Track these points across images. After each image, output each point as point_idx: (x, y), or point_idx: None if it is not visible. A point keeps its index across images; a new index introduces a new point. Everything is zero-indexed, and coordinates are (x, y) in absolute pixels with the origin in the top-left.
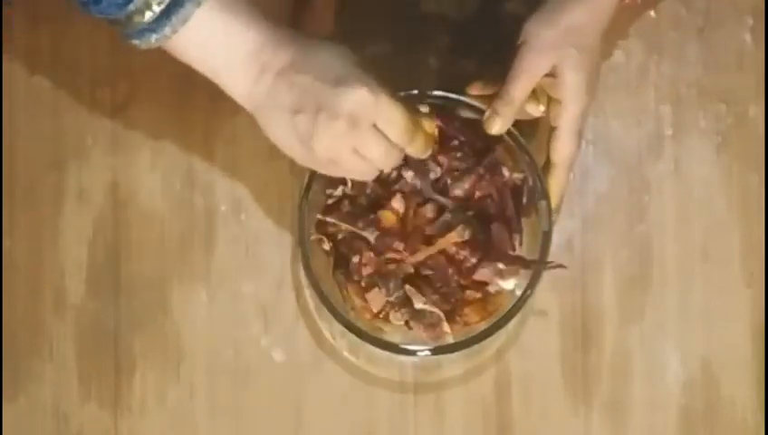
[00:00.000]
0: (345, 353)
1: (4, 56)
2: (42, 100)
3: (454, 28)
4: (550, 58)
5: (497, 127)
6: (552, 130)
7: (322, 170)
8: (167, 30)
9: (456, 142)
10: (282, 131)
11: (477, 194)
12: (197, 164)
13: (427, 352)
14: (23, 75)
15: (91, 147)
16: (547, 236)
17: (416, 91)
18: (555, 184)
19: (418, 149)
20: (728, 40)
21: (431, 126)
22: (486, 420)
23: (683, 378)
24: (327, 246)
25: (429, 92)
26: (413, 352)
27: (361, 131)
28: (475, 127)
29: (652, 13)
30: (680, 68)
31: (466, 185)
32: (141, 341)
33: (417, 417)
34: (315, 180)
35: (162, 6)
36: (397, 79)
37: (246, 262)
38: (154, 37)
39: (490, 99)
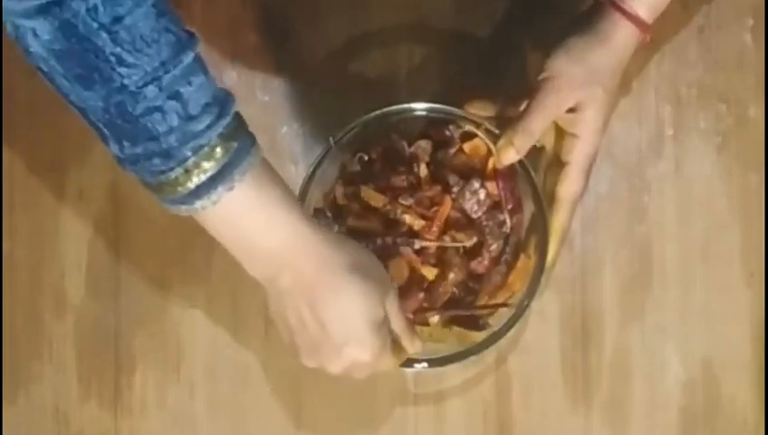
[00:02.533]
0: None
1: (4, 56)
2: (42, 100)
3: (454, 41)
4: (577, 96)
5: (510, 158)
6: (562, 165)
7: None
8: (197, 205)
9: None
10: (278, 322)
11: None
12: None
13: (425, 365)
14: (23, 76)
15: (91, 147)
16: (537, 275)
17: (412, 105)
18: (558, 221)
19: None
20: (728, 40)
21: (416, 348)
22: (486, 420)
23: (683, 378)
24: None
25: (429, 105)
26: (410, 365)
27: (353, 374)
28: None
29: None
30: (680, 68)
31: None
32: (141, 341)
33: (417, 416)
34: (313, 184)
35: (192, 187)
36: (393, 89)
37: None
38: (184, 209)
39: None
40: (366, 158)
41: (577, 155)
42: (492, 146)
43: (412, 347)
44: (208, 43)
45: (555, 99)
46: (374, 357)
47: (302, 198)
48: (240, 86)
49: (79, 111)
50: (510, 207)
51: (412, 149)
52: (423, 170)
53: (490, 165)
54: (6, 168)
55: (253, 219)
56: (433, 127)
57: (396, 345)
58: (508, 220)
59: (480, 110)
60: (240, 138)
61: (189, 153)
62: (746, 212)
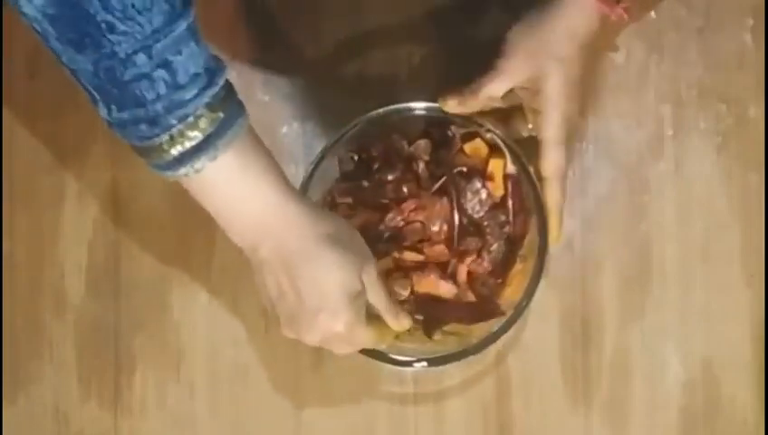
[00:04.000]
0: None
1: (4, 57)
2: (42, 100)
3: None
4: (525, 66)
5: (452, 105)
6: (539, 143)
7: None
8: (181, 171)
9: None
10: (261, 291)
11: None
12: None
13: (424, 364)
14: (23, 76)
15: (91, 147)
16: (536, 276)
17: (411, 104)
18: (550, 198)
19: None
20: (728, 40)
21: (402, 326)
22: (486, 420)
23: (683, 378)
24: None
25: (429, 105)
26: (409, 364)
27: (332, 344)
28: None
29: (652, 13)
30: (680, 68)
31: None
32: (141, 341)
33: (417, 416)
34: (315, 177)
35: (176, 154)
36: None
37: (246, 261)
38: (170, 174)
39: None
40: (356, 157)
41: (545, 130)
42: (502, 146)
43: (398, 324)
44: (208, 43)
45: (505, 67)
46: (347, 327)
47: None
48: (240, 86)
49: (70, 73)
50: (512, 210)
51: (412, 148)
52: (422, 170)
53: (490, 167)
54: (6, 168)
55: (235, 188)
56: (434, 127)
57: (379, 322)
58: (511, 220)
59: (456, 108)
60: (227, 108)
61: (175, 121)
62: (746, 212)
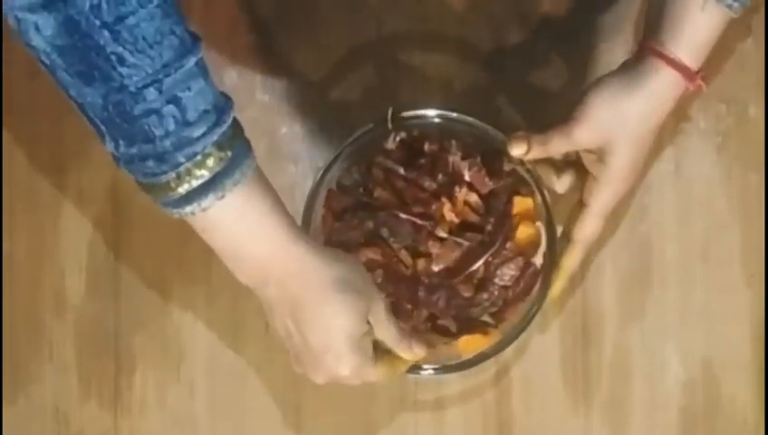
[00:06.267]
0: None
1: (4, 57)
2: (42, 100)
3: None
4: (599, 139)
5: (519, 151)
6: (582, 206)
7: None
8: (186, 210)
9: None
10: (276, 329)
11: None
12: None
13: (431, 371)
14: (23, 76)
15: (91, 147)
16: (546, 285)
17: (421, 112)
18: (569, 261)
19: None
20: (728, 40)
21: (416, 356)
22: (486, 420)
23: (683, 378)
24: None
25: (383, 120)
26: (416, 371)
27: (342, 381)
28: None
29: None
30: None
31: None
32: (141, 341)
33: (417, 416)
34: (322, 184)
35: (183, 192)
36: (396, 92)
37: None
38: (174, 212)
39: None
40: (404, 136)
41: (595, 199)
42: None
43: (412, 355)
44: (208, 43)
45: (580, 134)
46: (353, 372)
47: (313, 198)
48: (240, 86)
49: (78, 107)
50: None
51: (464, 168)
52: (462, 195)
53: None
54: (6, 168)
55: (241, 228)
56: (489, 159)
57: (391, 356)
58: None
59: (521, 152)
60: (235, 146)
61: (183, 159)
62: (746, 212)
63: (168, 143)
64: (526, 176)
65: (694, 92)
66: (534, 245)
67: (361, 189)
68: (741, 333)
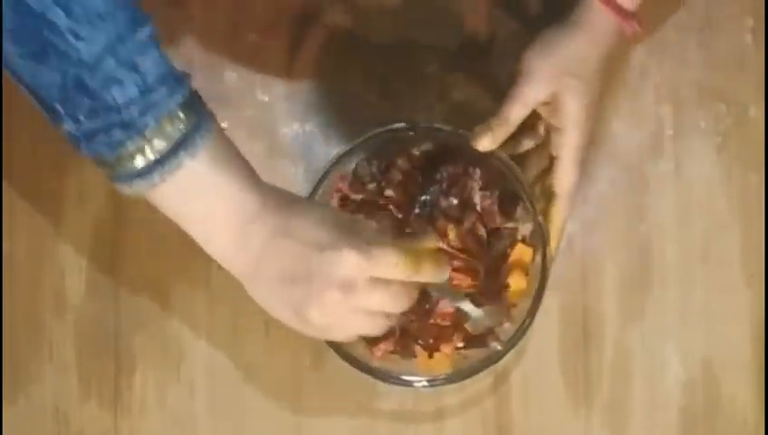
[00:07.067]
0: None
1: None
2: None
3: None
4: (548, 86)
5: (485, 143)
6: (553, 159)
7: (326, 337)
8: (155, 177)
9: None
10: (273, 302)
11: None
12: None
13: (424, 384)
14: None
15: None
16: (539, 294)
17: (403, 124)
18: (557, 214)
19: (431, 275)
20: (728, 40)
21: (433, 243)
22: (486, 421)
23: (683, 378)
24: None
25: (416, 124)
26: (410, 383)
27: (359, 291)
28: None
29: None
30: (680, 68)
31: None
32: (141, 341)
33: (416, 416)
34: (321, 186)
35: (155, 155)
36: (396, 92)
37: None
38: (141, 183)
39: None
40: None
41: (563, 148)
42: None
43: (430, 240)
44: (208, 43)
45: (528, 90)
46: (363, 252)
47: (322, 179)
48: (240, 86)
49: (31, 94)
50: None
51: (481, 198)
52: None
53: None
54: (6, 168)
55: (215, 187)
56: (506, 199)
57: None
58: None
59: (488, 145)
60: (199, 107)
61: (152, 122)
62: (746, 212)
63: (133, 109)
64: (538, 229)
65: (633, 36)
66: (519, 295)
67: (374, 184)
68: (741, 333)
